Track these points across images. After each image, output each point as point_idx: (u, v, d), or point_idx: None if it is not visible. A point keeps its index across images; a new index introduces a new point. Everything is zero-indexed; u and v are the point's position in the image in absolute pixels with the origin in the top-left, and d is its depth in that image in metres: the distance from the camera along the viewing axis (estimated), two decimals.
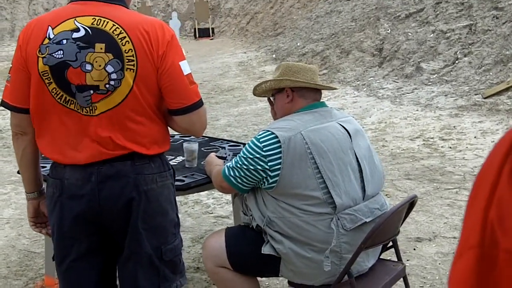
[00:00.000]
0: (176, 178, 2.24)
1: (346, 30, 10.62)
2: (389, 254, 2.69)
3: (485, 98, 6.70)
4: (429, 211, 4.09)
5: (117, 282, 2.02)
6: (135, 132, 1.81)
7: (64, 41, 1.76)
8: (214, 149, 3.09)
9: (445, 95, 7.22)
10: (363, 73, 9.07)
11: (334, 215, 2.14)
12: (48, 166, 1.99)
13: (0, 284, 3.26)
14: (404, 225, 2.91)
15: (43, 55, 1.76)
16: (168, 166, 1.95)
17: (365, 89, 8.42)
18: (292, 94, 2.33)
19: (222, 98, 9.31)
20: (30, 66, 1.79)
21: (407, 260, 3.32)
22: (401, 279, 2.43)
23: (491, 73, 7.14)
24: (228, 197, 4.23)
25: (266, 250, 2.22)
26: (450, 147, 5.63)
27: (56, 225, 1.88)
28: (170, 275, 1.95)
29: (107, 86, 1.76)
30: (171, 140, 2.00)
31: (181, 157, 2.99)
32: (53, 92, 1.77)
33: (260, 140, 2.19)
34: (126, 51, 1.76)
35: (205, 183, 2.62)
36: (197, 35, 17.88)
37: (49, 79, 1.77)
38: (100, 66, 1.75)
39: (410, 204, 2.32)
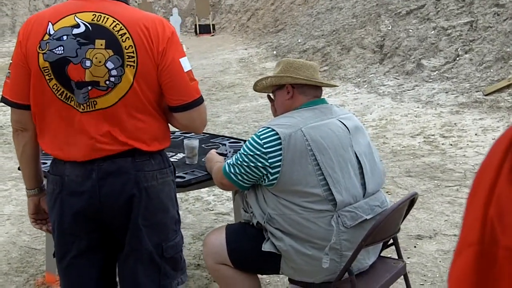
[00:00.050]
0: (177, 174, 2.24)
1: (347, 27, 10.61)
2: (390, 252, 2.69)
3: (486, 95, 6.69)
4: (429, 208, 4.09)
5: (117, 279, 2.02)
6: (135, 128, 1.81)
7: (65, 37, 1.76)
8: (215, 146, 3.09)
9: (446, 92, 7.22)
10: (364, 69, 9.06)
11: (334, 212, 2.14)
12: (49, 162, 1.99)
13: (1, 280, 3.27)
14: (405, 223, 2.91)
15: (43, 51, 1.76)
16: (168, 163, 1.95)
17: (366, 86, 8.41)
18: (293, 90, 2.33)
19: (222, 94, 9.31)
20: (30, 62, 1.78)
21: (408, 257, 3.32)
22: (402, 276, 2.43)
23: (492, 70, 7.13)
24: (229, 194, 4.23)
25: (266, 247, 2.22)
26: (451, 144, 5.62)
27: (56, 221, 1.88)
28: (171, 272, 1.95)
29: (107, 82, 1.76)
30: (171, 137, 2.00)
31: (181, 153, 2.99)
32: (54, 88, 1.77)
33: (261, 137, 2.19)
34: (126, 48, 1.75)
35: (206, 180, 2.62)
36: (198, 32, 17.86)
37: (49, 75, 1.77)
38: (100, 62, 1.75)
39: (411, 202, 2.32)
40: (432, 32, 8.64)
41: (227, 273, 2.35)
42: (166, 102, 1.87)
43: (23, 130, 1.91)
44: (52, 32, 1.77)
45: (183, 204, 4.34)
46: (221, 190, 4.17)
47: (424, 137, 5.95)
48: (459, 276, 0.51)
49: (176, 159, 2.92)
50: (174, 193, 1.98)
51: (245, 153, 2.21)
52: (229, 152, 2.89)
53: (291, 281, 2.31)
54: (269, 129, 2.19)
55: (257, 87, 2.48)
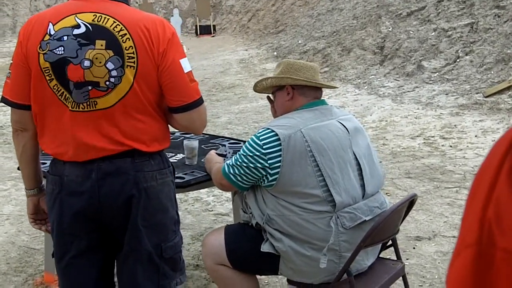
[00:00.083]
0: (176, 175, 2.24)
1: (347, 28, 10.61)
2: (389, 253, 2.69)
3: (486, 97, 6.69)
4: (429, 210, 4.09)
5: (116, 279, 2.02)
6: (135, 129, 1.81)
7: (65, 38, 1.76)
8: (215, 147, 3.09)
9: (446, 94, 7.22)
10: (364, 71, 9.06)
11: (333, 213, 2.14)
12: (48, 162, 1.99)
13: None
14: (404, 224, 2.91)
15: (43, 51, 1.76)
16: (168, 163, 1.95)
17: (366, 87, 8.41)
18: (293, 91, 2.33)
19: (223, 95, 9.31)
20: (31, 62, 1.79)
21: (407, 259, 3.32)
22: (400, 278, 2.43)
23: (492, 72, 7.13)
24: (228, 194, 4.23)
25: (265, 248, 2.22)
26: (451, 146, 5.62)
27: (55, 221, 1.88)
28: (170, 273, 1.95)
29: (107, 83, 1.76)
30: (171, 137, 2.00)
31: (181, 154, 2.99)
32: (55, 88, 1.78)
33: (260, 138, 2.19)
34: (127, 48, 1.76)
35: (205, 181, 2.62)
36: (199, 32, 17.87)
37: (50, 75, 1.77)
38: (100, 63, 1.75)
39: (410, 203, 2.32)
40: (433, 33, 8.64)
41: (225, 273, 2.35)
42: (166, 103, 1.87)
43: (23, 130, 1.91)
44: (52, 32, 1.77)
45: (182, 204, 4.34)
46: (220, 191, 4.17)
47: (424, 138, 5.95)
48: (457, 277, 0.51)
49: (175, 159, 2.92)
50: (174, 193, 1.98)
51: (245, 154, 2.21)
52: (229, 153, 2.89)
53: (289, 282, 2.31)
54: (269, 130, 2.19)
55: (257, 88, 2.48)
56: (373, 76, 8.73)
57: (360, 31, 10.15)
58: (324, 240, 2.13)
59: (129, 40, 1.76)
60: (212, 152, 2.70)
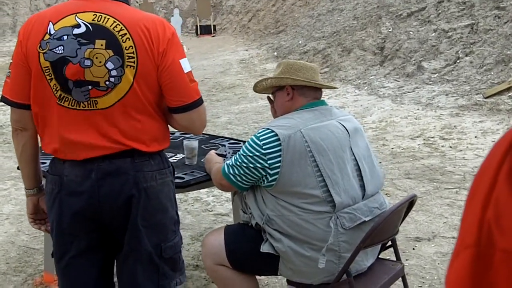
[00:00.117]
0: (176, 175, 2.24)
1: (347, 29, 10.61)
2: (388, 254, 2.69)
3: (486, 97, 6.69)
4: (428, 210, 4.09)
5: (115, 279, 2.02)
6: (135, 129, 1.81)
7: (65, 37, 1.76)
8: (214, 147, 3.09)
9: (446, 95, 7.22)
10: (364, 71, 9.06)
11: (333, 213, 2.14)
12: (48, 162, 1.99)
13: None
14: (404, 225, 2.91)
15: (43, 51, 1.76)
16: (167, 164, 1.95)
17: (366, 87, 8.41)
18: (293, 92, 2.33)
19: (223, 95, 9.31)
20: (31, 62, 1.78)
21: (406, 259, 3.32)
22: (400, 278, 2.43)
23: (492, 73, 7.13)
24: (228, 195, 4.23)
25: (265, 248, 2.22)
26: (451, 147, 5.62)
27: (55, 221, 1.88)
28: (170, 273, 1.95)
29: (107, 83, 1.76)
30: (171, 137, 2.00)
31: (181, 154, 2.99)
32: (54, 88, 1.78)
33: (260, 138, 2.19)
34: (127, 48, 1.75)
35: (205, 181, 2.62)
36: (199, 32, 17.87)
37: (50, 75, 1.77)
38: (100, 62, 1.75)
39: (410, 204, 2.32)
40: (433, 34, 8.64)
41: (225, 274, 2.34)
42: (165, 103, 1.87)
43: (22, 129, 1.91)
44: (52, 31, 1.77)
45: (182, 204, 4.33)
46: (220, 191, 4.17)
47: (424, 139, 5.95)
48: (456, 278, 0.51)
49: (175, 159, 2.92)
50: (173, 193, 1.98)
51: (244, 154, 2.21)
52: (229, 153, 2.89)
53: (289, 282, 2.31)
54: (269, 130, 2.19)
55: (257, 88, 2.48)
56: (373, 77, 8.73)
57: (360, 31, 10.15)
58: (323, 241, 2.13)
59: (129, 40, 1.76)
60: (212, 152, 2.70)
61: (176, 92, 1.82)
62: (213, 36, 17.29)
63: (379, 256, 2.45)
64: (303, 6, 14.47)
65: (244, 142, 2.49)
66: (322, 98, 2.40)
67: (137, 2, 18.91)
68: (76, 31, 1.76)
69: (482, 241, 0.49)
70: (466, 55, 7.80)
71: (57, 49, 1.75)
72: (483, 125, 6.09)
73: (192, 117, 1.87)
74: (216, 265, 2.35)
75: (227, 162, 2.29)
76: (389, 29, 9.58)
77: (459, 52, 7.96)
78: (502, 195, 0.49)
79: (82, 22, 1.77)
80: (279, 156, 2.14)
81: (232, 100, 8.85)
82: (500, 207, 0.49)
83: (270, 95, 2.49)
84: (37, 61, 1.77)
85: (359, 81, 8.79)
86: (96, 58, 1.75)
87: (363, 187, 2.24)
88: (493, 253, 0.48)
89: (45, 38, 1.77)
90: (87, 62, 1.75)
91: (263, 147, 2.17)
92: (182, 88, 1.82)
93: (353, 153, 2.25)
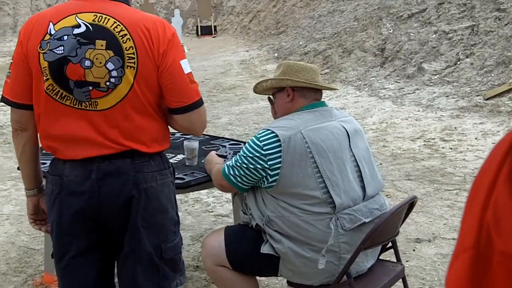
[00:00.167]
0: (176, 176, 2.24)
1: (348, 30, 10.61)
2: (389, 255, 2.69)
3: (486, 99, 6.69)
4: (429, 212, 4.09)
5: (116, 280, 2.02)
6: (135, 130, 1.81)
7: (65, 37, 1.76)
8: (215, 148, 3.09)
9: (447, 96, 7.22)
10: (364, 73, 9.06)
11: (333, 215, 2.14)
12: (48, 162, 1.99)
13: None
14: (404, 226, 2.91)
15: (44, 51, 1.76)
16: (168, 164, 1.94)
17: (366, 89, 8.41)
18: (293, 93, 2.33)
19: (223, 96, 9.31)
20: (31, 62, 1.78)
21: (406, 261, 3.31)
22: (400, 280, 2.43)
23: (492, 75, 7.13)
24: (229, 195, 4.23)
25: (265, 249, 2.22)
26: (451, 148, 5.62)
27: (55, 222, 1.88)
28: (170, 274, 1.95)
29: (107, 83, 1.76)
30: (171, 138, 2.00)
31: (181, 155, 2.98)
32: (49, 88, 1.77)
33: (260, 139, 2.19)
34: (127, 49, 1.75)
35: (205, 182, 2.62)
36: (200, 33, 17.88)
37: (46, 75, 1.76)
38: (100, 63, 1.75)
39: (410, 205, 2.32)
40: (433, 36, 8.64)
41: (225, 275, 2.34)
42: (166, 104, 1.87)
43: (22, 130, 1.91)
44: (53, 32, 1.77)
45: (182, 205, 4.33)
46: (220, 192, 4.17)
47: (424, 140, 5.95)
48: (456, 280, 0.51)
49: (175, 160, 2.92)
50: (174, 194, 1.98)
51: (245, 155, 2.21)
52: (229, 154, 2.89)
53: (289, 283, 2.30)
54: (269, 131, 2.19)
55: (258, 89, 2.48)
56: (373, 78, 8.73)
57: (361, 33, 10.15)
58: (323, 242, 2.13)
59: (129, 40, 1.76)
60: (213, 153, 2.70)
61: (176, 93, 1.82)
62: (214, 37, 17.29)
63: (380, 257, 2.45)
64: (303, 7, 14.48)
65: (245, 143, 2.49)
66: (322, 99, 2.40)
67: (138, 3, 18.92)
68: (76, 31, 1.76)
69: (481, 243, 0.49)
70: (467, 57, 7.80)
71: (57, 49, 1.75)
72: (484, 127, 6.09)
73: (192, 118, 1.87)
74: (216, 266, 2.35)
75: (228, 163, 2.29)
76: (390, 30, 9.58)
77: (459, 53, 7.96)
78: (502, 197, 0.49)
79: (83, 23, 1.77)
80: (280, 157, 2.14)
81: (232, 101, 8.85)
82: (499, 209, 0.49)
83: (270, 96, 2.49)
84: (37, 61, 1.77)
85: (360, 82, 8.79)
86: (97, 58, 1.75)
87: (363, 188, 2.24)
88: (491, 255, 0.48)
89: (45, 38, 1.77)
90: (88, 63, 1.75)
91: (264, 148, 2.17)
92: (182, 89, 1.82)
93: (353, 154, 2.25)
